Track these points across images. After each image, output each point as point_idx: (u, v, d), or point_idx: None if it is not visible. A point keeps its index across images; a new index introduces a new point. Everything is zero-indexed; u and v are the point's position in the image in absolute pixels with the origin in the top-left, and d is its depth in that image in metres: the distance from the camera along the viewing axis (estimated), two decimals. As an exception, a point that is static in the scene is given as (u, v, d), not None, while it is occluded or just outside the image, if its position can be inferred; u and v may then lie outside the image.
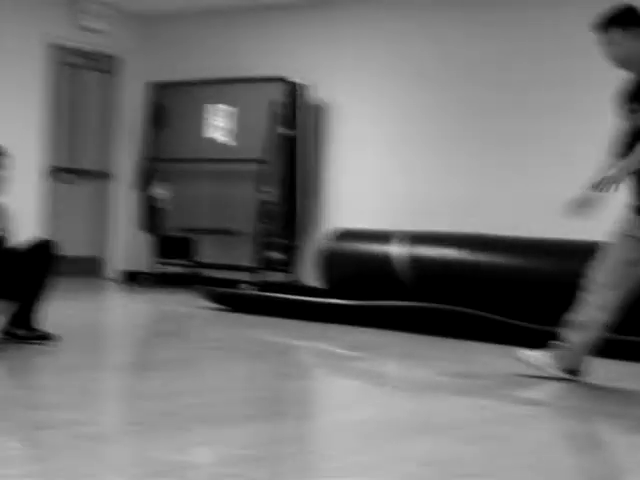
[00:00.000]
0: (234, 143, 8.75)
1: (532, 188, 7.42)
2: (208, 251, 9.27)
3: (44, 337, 4.97)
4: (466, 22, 7.91)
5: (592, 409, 4.09)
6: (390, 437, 3.31)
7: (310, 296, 7.15)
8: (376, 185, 8.36)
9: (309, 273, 8.41)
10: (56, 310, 5.74)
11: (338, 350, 5.64)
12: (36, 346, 4.86)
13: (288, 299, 7.06)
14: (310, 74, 8.57)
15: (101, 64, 10.04)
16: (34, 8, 9.00)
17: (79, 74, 10.22)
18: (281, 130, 8.45)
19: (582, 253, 5.10)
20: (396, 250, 7.07)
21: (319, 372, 5.12)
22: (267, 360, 5.04)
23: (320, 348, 5.77)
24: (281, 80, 8.49)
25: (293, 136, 8.52)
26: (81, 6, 9.15)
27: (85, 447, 2.92)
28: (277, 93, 8.48)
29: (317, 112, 8.68)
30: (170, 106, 9.18)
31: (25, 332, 4.95)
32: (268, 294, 7.30)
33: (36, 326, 4.99)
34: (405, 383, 4.67)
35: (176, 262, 9.26)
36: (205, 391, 3.99)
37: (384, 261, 7.10)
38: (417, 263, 6.94)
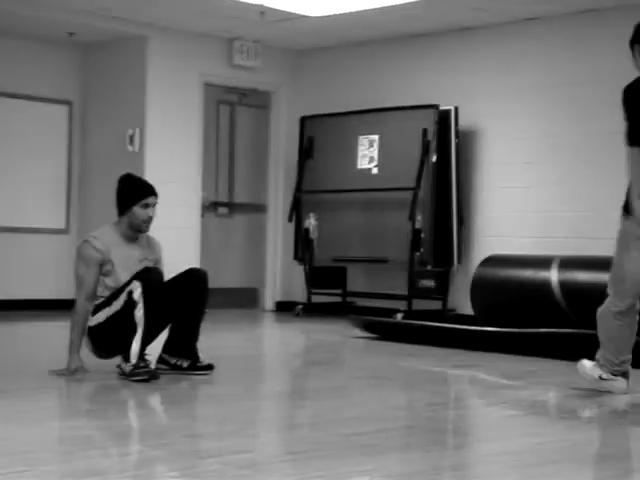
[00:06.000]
0: (384, 172, 8.78)
1: None
2: (360, 280, 9.31)
3: (207, 368, 5.06)
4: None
5: None
6: (550, 467, 3.23)
7: (461, 324, 7.07)
8: (529, 209, 8.22)
9: (462, 301, 8.33)
10: (211, 340, 5.89)
11: (493, 379, 5.55)
12: (194, 376, 4.97)
13: (439, 327, 7.02)
14: (454, 100, 8.53)
15: (254, 100, 10.30)
16: (190, 49, 9.32)
17: (234, 110, 10.52)
18: (432, 157, 8.43)
19: None
20: (549, 275, 6.92)
21: (476, 402, 5.05)
22: (422, 389, 5.01)
23: (474, 376, 5.70)
24: (431, 107, 8.48)
25: (443, 163, 8.48)
26: (235, 45, 9.41)
27: (243, 475, 2.97)
28: (427, 121, 8.47)
29: (465, 138, 8.63)
30: (321, 138, 9.30)
31: (189, 363, 5.01)
32: (419, 322, 7.27)
33: (198, 357, 5.04)
34: (566, 412, 4.55)
35: (329, 292, 9.35)
36: (361, 420, 3.99)
37: (536, 287, 6.96)
38: (573, 288, 6.77)
